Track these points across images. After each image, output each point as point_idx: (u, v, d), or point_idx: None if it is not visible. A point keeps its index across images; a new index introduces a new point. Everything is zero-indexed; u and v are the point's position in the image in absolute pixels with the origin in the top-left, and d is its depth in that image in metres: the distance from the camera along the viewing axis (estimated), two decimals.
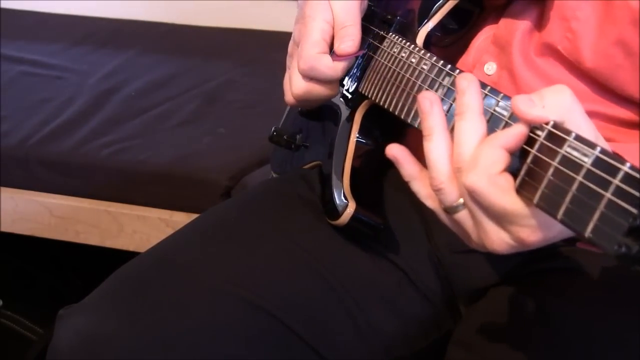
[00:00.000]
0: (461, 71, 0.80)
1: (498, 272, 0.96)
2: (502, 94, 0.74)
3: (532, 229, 0.69)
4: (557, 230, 0.69)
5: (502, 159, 0.69)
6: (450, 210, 0.74)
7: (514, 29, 0.91)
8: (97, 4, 2.37)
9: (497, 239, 0.71)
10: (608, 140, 0.80)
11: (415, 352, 0.99)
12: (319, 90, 0.95)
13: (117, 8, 2.35)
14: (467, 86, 0.73)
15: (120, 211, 1.68)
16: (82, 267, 1.90)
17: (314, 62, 0.93)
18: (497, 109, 0.73)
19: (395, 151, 0.77)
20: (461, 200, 0.73)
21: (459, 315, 1.01)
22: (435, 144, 0.74)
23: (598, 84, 0.88)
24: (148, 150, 1.72)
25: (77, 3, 2.38)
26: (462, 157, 0.71)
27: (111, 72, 2.05)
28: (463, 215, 0.73)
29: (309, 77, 0.94)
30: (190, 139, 1.76)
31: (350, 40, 0.93)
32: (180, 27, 2.29)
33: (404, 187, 1.00)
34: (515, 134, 0.70)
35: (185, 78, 2.01)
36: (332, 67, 0.93)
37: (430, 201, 0.77)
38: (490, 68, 0.93)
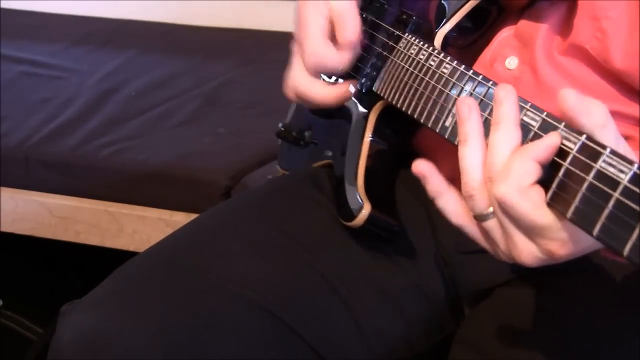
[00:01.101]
0: (487, 78, 0.79)
1: (504, 273, 0.96)
2: (530, 103, 0.73)
3: (562, 242, 0.69)
4: (586, 245, 0.69)
5: (533, 171, 0.69)
6: (479, 218, 0.74)
7: (538, 26, 0.90)
8: (97, 4, 2.37)
9: (526, 250, 0.71)
10: (627, 137, 0.79)
11: (417, 353, 0.99)
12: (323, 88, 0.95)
13: (117, 8, 2.35)
14: (505, 97, 0.73)
15: (120, 211, 1.68)
16: (82, 267, 1.90)
17: (319, 57, 0.93)
18: (524, 118, 0.72)
19: (422, 167, 0.76)
20: (491, 209, 0.72)
21: (462, 316, 1.01)
22: (470, 150, 0.73)
23: (622, 84, 0.87)
24: (148, 150, 1.72)
25: (77, 3, 2.38)
26: (494, 166, 0.71)
27: (111, 72, 2.05)
28: (492, 224, 0.73)
29: (317, 71, 0.94)
30: (190, 139, 1.76)
31: (349, 29, 0.92)
32: (180, 27, 2.29)
33: (410, 187, 1.00)
34: (547, 145, 0.69)
35: (185, 78, 2.01)
36: (339, 59, 0.93)
37: (456, 218, 0.76)
38: (512, 62, 0.92)
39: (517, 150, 0.70)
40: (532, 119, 0.72)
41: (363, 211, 0.92)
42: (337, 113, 1.01)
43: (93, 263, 1.63)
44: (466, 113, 0.74)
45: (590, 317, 0.87)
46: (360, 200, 0.93)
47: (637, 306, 0.87)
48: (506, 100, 0.72)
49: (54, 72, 2.06)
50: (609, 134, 0.67)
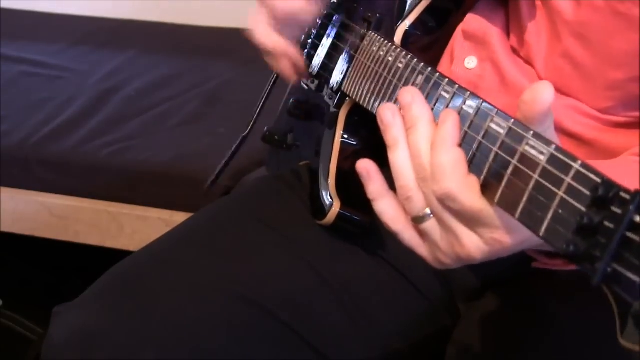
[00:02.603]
0: (435, 70, 0.79)
1: (494, 272, 0.96)
2: (496, 110, 0.70)
3: (505, 229, 0.68)
4: (527, 234, 0.67)
5: (462, 158, 0.69)
6: (417, 221, 0.73)
7: (487, 24, 0.91)
8: (97, 4, 2.37)
9: (470, 243, 0.70)
10: (594, 140, 0.82)
11: (411, 344, 0.99)
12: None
13: (117, 8, 2.35)
14: (412, 99, 0.73)
15: (120, 211, 1.69)
16: (82, 267, 1.90)
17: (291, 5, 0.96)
18: (492, 125, 0.70)
19: (366, 165, 0.76)
20: (428, 210, 0.72)
21: (457, 312, 1.01)
22: (400, 154, 0.73)
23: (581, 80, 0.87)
24: (148, 150, 1.72)
25: (77, 3, 2.38)
26: (423, 167, 0.71)
27: (111, 72, 2.05)
28: (430, 225, 0.72)
29: (282, 17, 0.97)
30: (190, 139, 1.76)
31: None
32: (180, 27, 2.29)
33: (393, 184, 1.00)
34: (455, 124, 0.70)
35: (185, 78, 2.01)
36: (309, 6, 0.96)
37: (393, 223, 0.75)
38: (471, 62, 0.92)
39: (437, 144, 0.70)
40: (499, 125, 0.69)
41: (333, 209, 0.93)
42: (315, 113, 1.03)
43: (93, 263, 1.64)
44: (390, 118, 0.74)
45: (584, 317, 0.88)
46: (330, 199, 0.94)
47: None
48: (414, 102, 0.73)
49: (54, 72, 2.06)
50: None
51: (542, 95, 0.64)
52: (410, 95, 0.73)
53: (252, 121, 1.14)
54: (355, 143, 0.98)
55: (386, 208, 0.75)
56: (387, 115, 0.74)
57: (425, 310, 1.00)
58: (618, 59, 0.81)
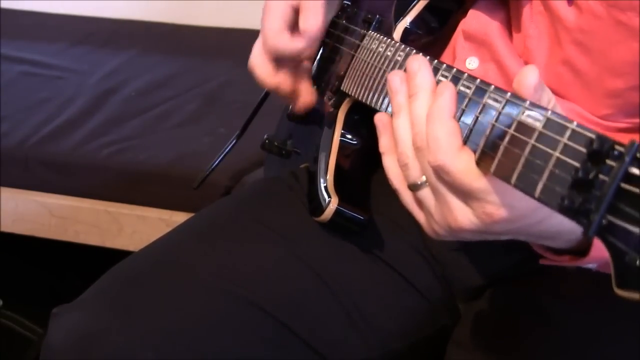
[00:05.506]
0: (433, 58, 0.80)
1: (494, 271, 0.96)
2: (493, 86, 0.72)
3: (497, 205, 0.68)
4: (521, 210, 0.69)
5: (457, 130, 0.70)
6: (413, 188, 0.75)
7: (487, 25, 0.91)
8: (97, 4, 2.37)
9: (461, 214, 0.71)
10: None
11: (410, 345, 0.99)
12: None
13: (117, 8, 2.35)
14: (419, 67, 0.74)
15: (120, 211, 1.69)
16: (82, 267, 1.90)
17: (274, 40, 0.97)
18: (489, 101, 0.71)
19: (382, 117, 0.78)
20: (424, 178, 0.73)
21: (457, 312, 1.01)
22: (402, 120, 0.74)
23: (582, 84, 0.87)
24: (148, 150, 1.73)
25: (77, 3, 2.38)
26: (420, 136, 0.72)
27: (111, 72, 2.05)
28: (425, 193, 0.74)
29: (270, 52, 0.98)
30: (190, 139, 1.76)
31: (310, 19, 0.95)
32: (180, 27, 2.29)
33: None
34: (452, 97, 0.70)
35: (185, 78, 2.01)
36: (292, 45, 0.97)
37: (396, 181, 0.77)
38: (473, 62, 0.93)
39: (433, 116, 0.71)
40: (495, 100, 0.70)
41: (330, 205, 0.93)
42: (314, 117, 1.04)
43: (93, 263, 1.64)
44: (397, 85, 0.75)
45: (585, 317, 0.88)
46: (328, 196, 0.94)
47: (633, 306, 0.87)
48: (420, 71, 0.74)
49: (54, 72, 2.06)
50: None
51: (526, 79, 0.66)
52: (418, 64, 0.74)
53: (245, 123, 1.16)
54: (354, 142, 0.99)
55: (392, 164, 0.77)
56: (395, 82, 0.76)
57: (425, 310, 1.00)
58: (618, 68, 0.82)
